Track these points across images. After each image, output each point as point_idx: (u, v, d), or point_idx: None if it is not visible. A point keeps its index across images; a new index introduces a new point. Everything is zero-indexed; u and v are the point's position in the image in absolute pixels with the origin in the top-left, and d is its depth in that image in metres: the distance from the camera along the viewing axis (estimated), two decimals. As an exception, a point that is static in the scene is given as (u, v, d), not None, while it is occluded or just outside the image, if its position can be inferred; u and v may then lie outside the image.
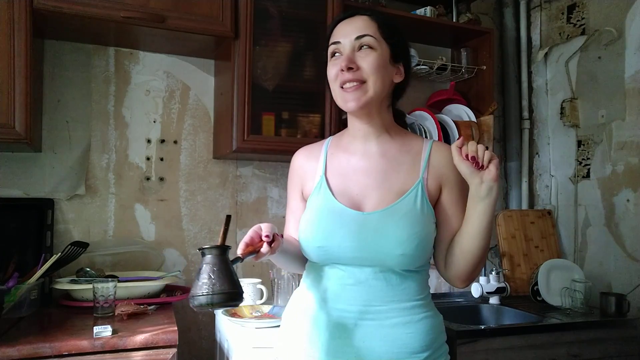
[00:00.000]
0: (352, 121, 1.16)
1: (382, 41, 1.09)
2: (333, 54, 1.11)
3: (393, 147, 1.14)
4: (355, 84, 1.07)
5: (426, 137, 2.09)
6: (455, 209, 1.11)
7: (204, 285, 0.87)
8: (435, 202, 1.11)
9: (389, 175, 1.11)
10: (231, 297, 0.88)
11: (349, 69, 1.06)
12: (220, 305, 0.88)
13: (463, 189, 1.10)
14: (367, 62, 1.07)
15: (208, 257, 0.90)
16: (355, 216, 1.07)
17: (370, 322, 1.04)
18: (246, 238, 0.97)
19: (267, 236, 0.97)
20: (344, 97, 1.09)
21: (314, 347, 1.07)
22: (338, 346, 1.05)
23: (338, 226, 1.06)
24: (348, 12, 1.14)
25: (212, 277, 0.87)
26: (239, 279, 0.92)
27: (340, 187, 1.12)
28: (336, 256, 1.06)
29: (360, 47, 1.08)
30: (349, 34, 1.09)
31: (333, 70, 1.10)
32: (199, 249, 0.92)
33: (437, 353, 1.08)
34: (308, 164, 1.20)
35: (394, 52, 1.11)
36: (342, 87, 1.08)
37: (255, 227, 0.99)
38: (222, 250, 0.91)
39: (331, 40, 1.12)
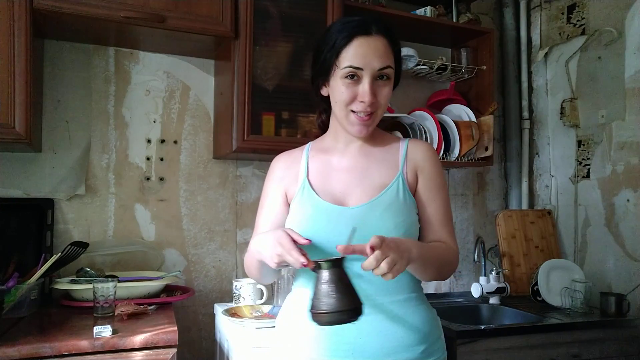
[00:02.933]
0: (337, 131, 1.19)
1: (394, 69, 1.12)
2: (350, 75, 1.08)
3: (373, 146, 1.19)
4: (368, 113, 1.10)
5: (426, 137, 2.13)
6: (430, 194, 1.15)
7: (325, 302, 0.88)
8: (414, 192, 1.16)
9: (370, 172, 1.15)
10: (354, 313, 0.89)
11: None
12: (343, 322, 0.90)
13: (437, 178, 1.16)
14: (383, 94, 1.10)
15: (325, 272, 0.90)
16: (340, 211, 1.09)
17: (365, 317, 1.02)
18: (296, 250, 0.95)
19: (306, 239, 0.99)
20: (356, 124, 1.11)
21: (310, 346, 1.08)
22: (334, 344, 1.05)
23: (325, 222, 1.09)
24: (363, 26, 1.09)
25: (334, 294, 0.89)
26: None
27: (323, 186, 1.15)
28: (326, 252, 1.06)
29: (379, 76, 1.09)
30: (371, 62, 1.07)
31: (349, 94, 1.09)
32: (316, 262, 0.91)
33: (432, 347, 1.10)
34: (289, 170, 1.21)
35: (396, 77, 1.15)
36: (353, 112, 1.10)
37: (284, 235, 0.98)
38: (340, 262, 0.91)
39: (350, 63, 1.07)
